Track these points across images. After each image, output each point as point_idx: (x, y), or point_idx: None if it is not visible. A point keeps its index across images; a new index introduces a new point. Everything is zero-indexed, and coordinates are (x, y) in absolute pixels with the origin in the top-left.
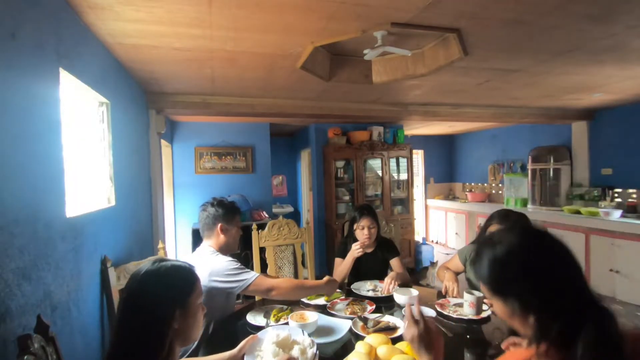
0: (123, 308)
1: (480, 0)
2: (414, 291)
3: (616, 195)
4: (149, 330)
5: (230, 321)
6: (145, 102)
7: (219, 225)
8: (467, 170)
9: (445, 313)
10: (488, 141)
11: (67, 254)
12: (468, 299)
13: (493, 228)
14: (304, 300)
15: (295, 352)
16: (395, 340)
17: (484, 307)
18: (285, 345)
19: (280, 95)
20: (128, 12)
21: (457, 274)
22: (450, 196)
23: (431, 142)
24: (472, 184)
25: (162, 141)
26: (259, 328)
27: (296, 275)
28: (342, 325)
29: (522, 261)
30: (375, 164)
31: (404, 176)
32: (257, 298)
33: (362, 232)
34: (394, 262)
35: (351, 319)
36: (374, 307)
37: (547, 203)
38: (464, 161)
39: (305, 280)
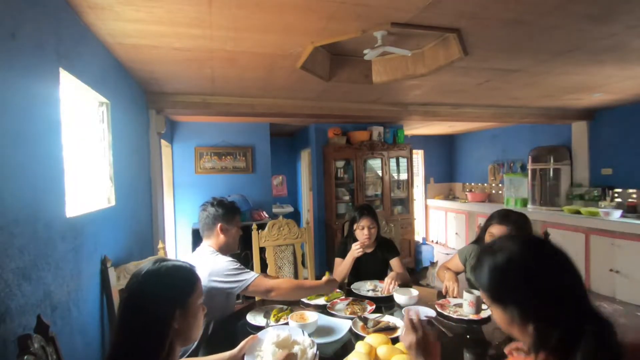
0: (123, 308)
1: (480, 0)
2: (414, 291)
3: (616, 195)
4: (149, 330)
5: (230, 321)
6: (145, 102)
7: (219, 225)
8: (467, 170)
9: (445, 313)
10: (488, 141)
11: (67, 254)
12: (467, 297)
13: (493, 228)
14: (304, 300)
15: (295, 352)
16: (395, 340)
17: (483, 306)
18: (285, 345)
19: (280, 95)
20: (128, 12)
21: (457, 273)
22: (450, 196)
23: (431, 142)
24: (472, 184)
25: (162, 141)
26: (259, 328)
27: (296, 276)
28: (342, 325)
29: (522, 269)
30: (375, 164)
31: (404, 176)
32: (257, 298)
33: (362, 232)
34: (394, 262)
35: (351, 319)
36: (374, 307)
37: (547, 203)
38: (464, 161)
39: (305, 280)
